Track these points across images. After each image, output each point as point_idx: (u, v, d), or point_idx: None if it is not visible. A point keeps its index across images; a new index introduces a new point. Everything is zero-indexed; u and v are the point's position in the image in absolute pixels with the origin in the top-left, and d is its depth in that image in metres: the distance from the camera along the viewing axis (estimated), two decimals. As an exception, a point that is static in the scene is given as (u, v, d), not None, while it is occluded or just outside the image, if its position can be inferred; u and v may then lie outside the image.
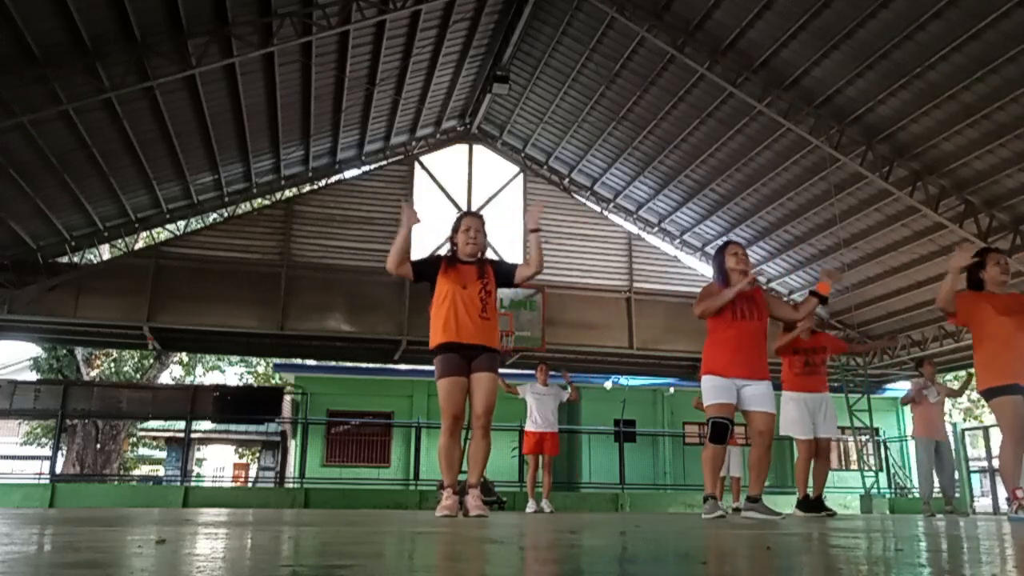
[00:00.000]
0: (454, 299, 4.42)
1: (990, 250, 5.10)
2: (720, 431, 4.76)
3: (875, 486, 16.00)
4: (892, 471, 17.63)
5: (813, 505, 6.33)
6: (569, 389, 9.05)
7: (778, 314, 5.06)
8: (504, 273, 4.66)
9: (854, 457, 18.18)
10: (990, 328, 4.76)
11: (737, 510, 8.89)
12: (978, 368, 4.90)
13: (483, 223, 4.73)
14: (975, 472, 17.60)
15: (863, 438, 17.25)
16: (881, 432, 17.96)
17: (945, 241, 12.93)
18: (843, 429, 17.68)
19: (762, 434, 4.79)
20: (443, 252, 4.79)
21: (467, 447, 4.59)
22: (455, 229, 4.67)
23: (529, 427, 8.94)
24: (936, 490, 9.17)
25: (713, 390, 4.78)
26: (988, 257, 4.98)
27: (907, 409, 18.94)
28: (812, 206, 13.89)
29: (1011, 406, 4.66)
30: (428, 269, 4.58)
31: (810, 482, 6.50)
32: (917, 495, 12.80)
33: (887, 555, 2.02)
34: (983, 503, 15.68)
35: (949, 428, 12.83)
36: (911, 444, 19.41)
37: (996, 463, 9.17)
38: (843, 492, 16.77)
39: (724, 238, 16.34)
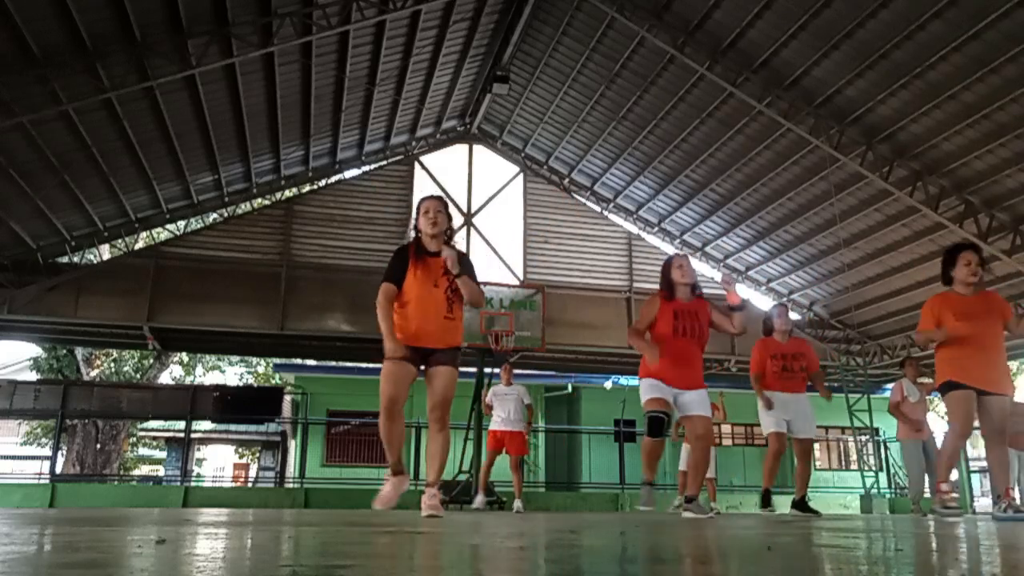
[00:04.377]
0: (420, 299, 4.16)
1: (963, 248, 5.08)
2: (656, 425, 4.87)
3: (875, 486, 15.99)
4: (892, 471, 17.62)
5: (799, 505, 6.33)
6: (528, 400, 9.04)
7: (719, 326, 5.05)
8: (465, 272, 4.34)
9: (854, 457, 18.18)
10: (950, 331, 4.86)
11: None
12: (938, 365, 5.01)
13: (445, 205, 4.43)
14: (975, 472, 17.59)
15: (863, 438, 17.24)
16: (881, 432, 17.95)
17: (945, 241, 12.90)
18: (843, 429, 17.70)
19: (700, 438, 4.91)
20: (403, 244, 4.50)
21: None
22: (416, 214, 4.41)
23: (492, 426, 8.93)
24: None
25: (650, 388, 4.89)
26: (960, 256, 4.99)
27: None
28: (812, 206, 13.89)
29: (964, 400, 4.80)
30: (401, 272, 4.25)
31: (775, 480, 6.46)
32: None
33: (887, 555, 2.02)
34: (983, 503, 15.69)
35: (944, 427, 12.79)
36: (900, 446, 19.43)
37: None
38: (843, 492, 16.77)
39: (725, 237, 16.36)
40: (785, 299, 17.39)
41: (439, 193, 4.51)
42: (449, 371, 4.20)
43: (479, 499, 9.03)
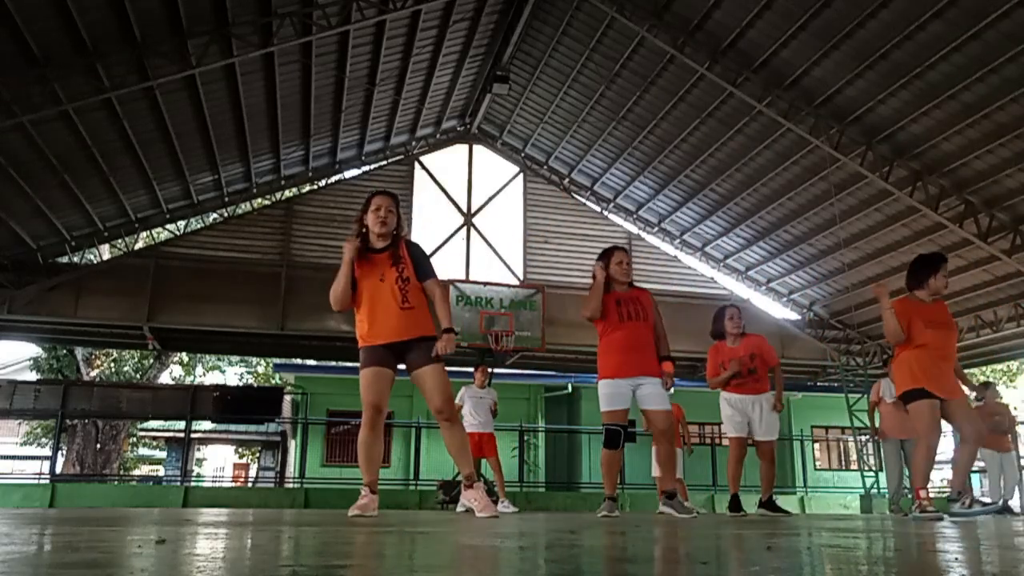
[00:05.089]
0: (371, 296, 4.05)
1: (944, 259, 5.23)
2: (614, 438, 4.89)
3: (875, 486, 16.00)
4: (892, 471, 17.62)
5: (767, 505, 6.29)
6: (495, 406, 8.96)
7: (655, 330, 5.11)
8: (419, 267, 4.19)
9: (854, 457, 18.19)
10: (918, 337, 4.94)
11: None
12: (899, 371, 5.06)
13: (396, 203, 4.25)
14: (975, 472, 17.56)
15: (863, 438, 17.25)
16: (881, 432, 17.96)
17: (945, 241, 12.94)
18: (843, 429, 17.70)
19: (663, 432, 4.95)
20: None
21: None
22: (364, 208, 4.23)
23: (467, 429, 8.76)
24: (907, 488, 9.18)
25: (608, 397, 4.89)
26: (942, 267, 5.12)
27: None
28: (812, 206, 13.90)
29: (928, 410, 4.88)
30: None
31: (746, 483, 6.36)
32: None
33: (887, 555, 2.02)
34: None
35: (947, 428, 12.77)
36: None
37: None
38: (843, 492, 16.77)
39: (725, 237, 16.35)
40: (785, 299, 17.40)
41: (391, 190, 4.32)
42: (435, 369, 4.04)
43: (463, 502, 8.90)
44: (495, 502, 9.70)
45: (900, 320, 4.96)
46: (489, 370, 9.32)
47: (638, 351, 4.92)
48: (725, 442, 18.92)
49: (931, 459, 5.00)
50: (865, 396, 16.36)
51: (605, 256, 5.19)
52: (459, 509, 8.61)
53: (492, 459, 8.77)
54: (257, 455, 28.57)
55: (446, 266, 14.54)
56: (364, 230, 4.21)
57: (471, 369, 12.76)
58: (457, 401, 8.86)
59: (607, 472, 5.07)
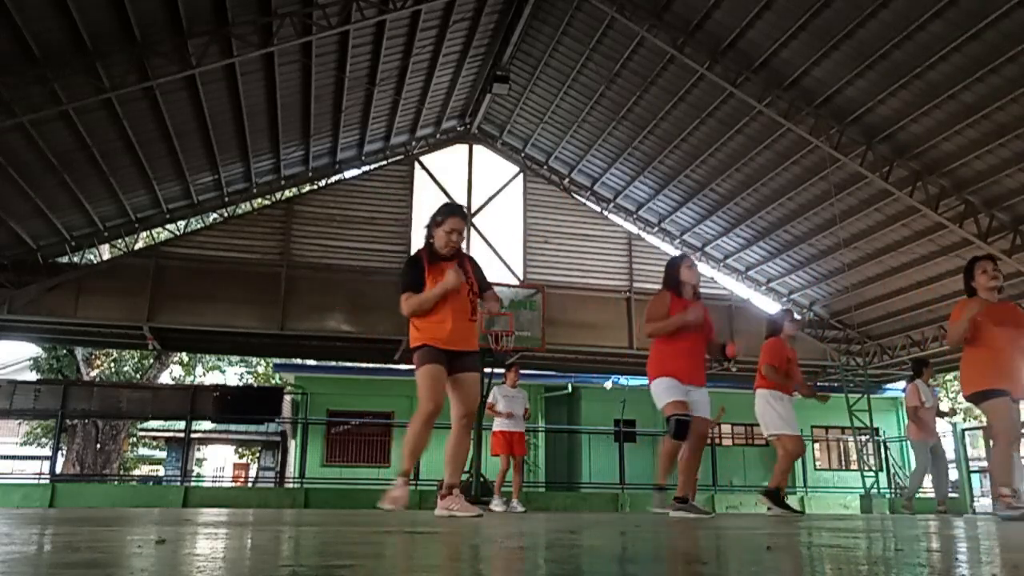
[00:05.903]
0: (449, 302, 4.20)
1: (977, 259, 5.23)
2: (683, 428, 4.95)
3: (875, 486, 16.00)
4: (892, 471, 17.63)
5: (774, 497, 6.33)
6: (528, 404, 9.22)
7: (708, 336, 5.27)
8: (480, 281, 4.51)
9: (854, 457, 18.19)
10: (987, 337, 4.89)
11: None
12: (969, 372, 5.01)
13: (465, 225, 4.52)
14: (975, 472, 17.56)
15: (863, 438, 17.25)
16: (881, 432, 17.96)
17: (945, 241, 12.93)
18: (843, 429, 17.71)
19: (701, 438, 5.09)
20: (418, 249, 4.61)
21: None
22: (437, 223, 4.37)
23: (497, 427, 9.02)
24: (926, 490, 9.25)
25: (670, 389, 4.97)
26: (976, 266, 5.13)
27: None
28: (812, 206, 13.89)
29: (1005, 408, 4.83)
30: (420, 280, 4.28)
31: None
32: (917, 495, 12.80)
33: (887, 555, 2.02)
34: (984, 503, 15.68)
35: (948, 428, 12.87)
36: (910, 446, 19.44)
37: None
38: (843, 492, 16.77)
39: (725, 237, 16.34)
40: (785, 299, 17.41)
41: (463, 205, 4.46)
42: (477, 377, 4.41)
43: (497, 501, 9.03)
44: (507, 501, 9.79)
45: (968, 311, 4.90)
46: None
47: (696, 360, 5.08)
48: (727, 442, 18.96)
49: (1010, 458, 4.86)
50: (865, 396, 16.40)
51: (675, 264, 5.23)
52: (496, 508, 8.69)
53: (519, 458, 9.06)
54: (257, 455, 28.56)
55: (446, 266, 14.53)
56: (430, 241, 4.40)
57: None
58: (490, 400, 9.01)
59: (666, 463, 5.14)
